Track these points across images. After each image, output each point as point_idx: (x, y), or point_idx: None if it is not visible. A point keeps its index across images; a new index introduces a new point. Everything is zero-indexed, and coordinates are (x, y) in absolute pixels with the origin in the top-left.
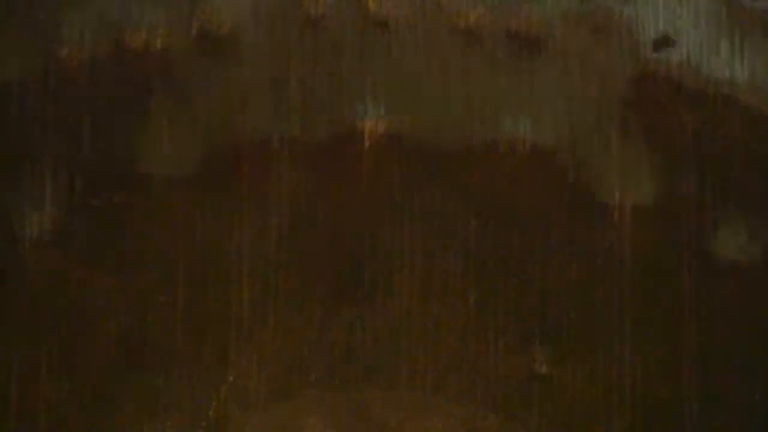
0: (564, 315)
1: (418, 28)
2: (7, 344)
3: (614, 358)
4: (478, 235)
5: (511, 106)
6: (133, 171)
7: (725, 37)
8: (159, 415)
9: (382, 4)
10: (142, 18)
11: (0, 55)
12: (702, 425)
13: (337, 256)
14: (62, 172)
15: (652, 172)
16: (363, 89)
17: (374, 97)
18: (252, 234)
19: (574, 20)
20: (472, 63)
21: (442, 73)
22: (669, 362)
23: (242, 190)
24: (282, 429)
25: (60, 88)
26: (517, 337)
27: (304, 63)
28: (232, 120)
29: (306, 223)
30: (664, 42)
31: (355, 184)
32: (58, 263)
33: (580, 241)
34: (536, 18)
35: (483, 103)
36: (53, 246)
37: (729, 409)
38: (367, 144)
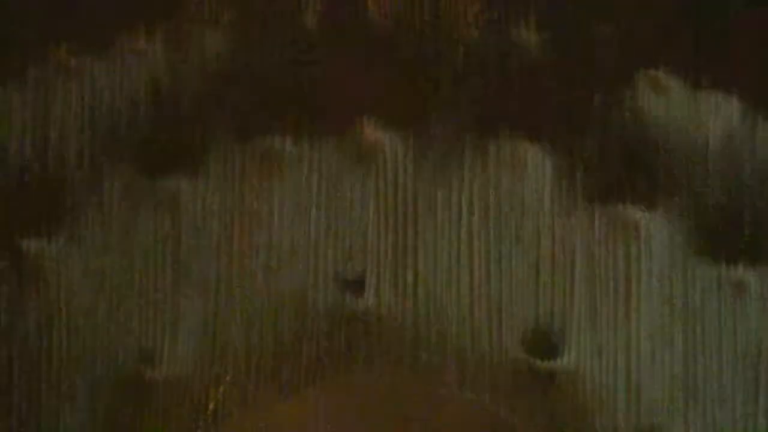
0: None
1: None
2: (7, 344)
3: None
4: (479, 233)
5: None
6: (134, 171)
7: None
8: (158, 414)
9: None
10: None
11: None
12: (703, 425)
13: (338, 255)
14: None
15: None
16: (363, 90)
17: (374, 97)
18: (252, 233)
19: None
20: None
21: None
22: (671, 362)
23: (243, 189)
24: (281, 428)
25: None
26: (520, 333)
27: (303, 64)
28: (232, 120)
29: (307, 222)
30: None
31: (354, 184)
32: (57, 263)
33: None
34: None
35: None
36: (52, 246)
37: (731, 410)
38: (366, 145)
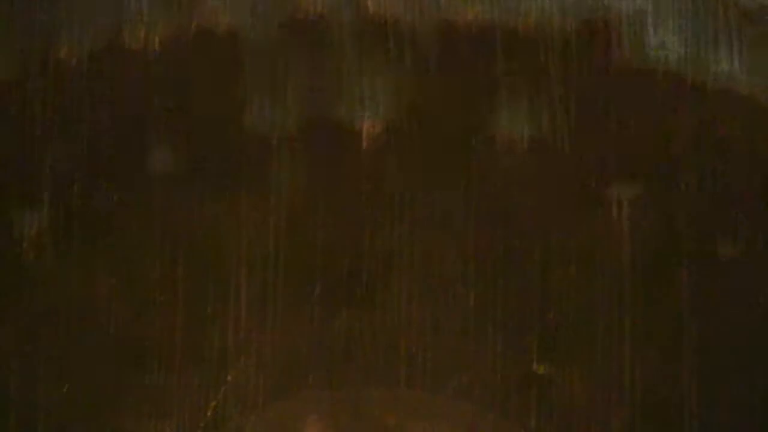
0: (563, 315)
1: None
2: (7, 344)
3: (614, 358)
4: (477, 235)
5: (508, 103)
6: (132, 170)
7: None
8: (157, 415)
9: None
10: (140, 15)
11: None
12: (701, 425)
13: (336, 257)
14: (61, 171)
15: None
16: (362, 89)
17: (373, 96)
18: (251, 234)
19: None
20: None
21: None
22: (669, 362)
23: (241, 189)
24: (281, 429)
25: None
26: (516, 338)
27: (302, 62)
28: (231, 120)
29: (305, 223)
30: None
31: (353, 185)
32: (56, 263)
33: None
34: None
35: (482, 102)
36: (52, 246)
37: (728, 410)
38: (365, 144)
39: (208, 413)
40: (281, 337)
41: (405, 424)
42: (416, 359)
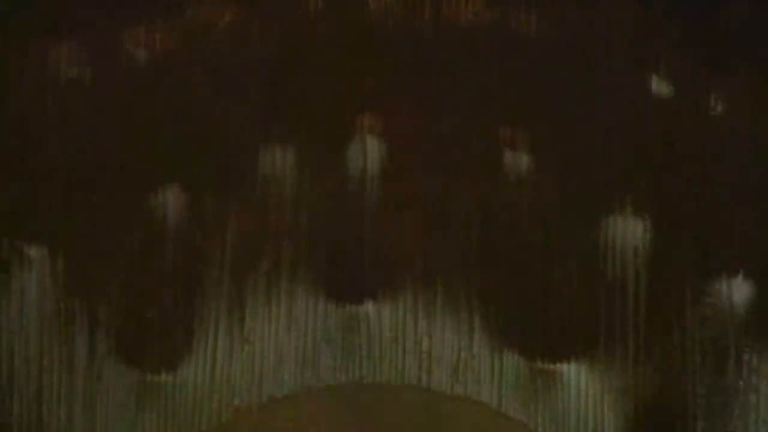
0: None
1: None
2: (7, 344)
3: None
4: (478, 234)
5: (509, 106)
6: (131, 171)
7: None
8: (158, 415)
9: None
10: (139, 16)
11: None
12: (701, 425)
13: (336, 256)
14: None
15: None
16: (362, 88)
17: (373, 96)
18: (251, 234)
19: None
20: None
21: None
22: (670, 362)
23: (241, 189)
24: (281, 429)
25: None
26: (518, 333)
27: (303, 62)
28: (230, 120)
29: (305, 222)
30: None
31: (354, 183)
32: (56, 263)
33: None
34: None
35: (482, 101)
36: (52, 246)
37: (729, 409)
38: (365, 143)
39: (209, 413)
40: (281, 337)
41: (406, 425)
42: (417, 358)
